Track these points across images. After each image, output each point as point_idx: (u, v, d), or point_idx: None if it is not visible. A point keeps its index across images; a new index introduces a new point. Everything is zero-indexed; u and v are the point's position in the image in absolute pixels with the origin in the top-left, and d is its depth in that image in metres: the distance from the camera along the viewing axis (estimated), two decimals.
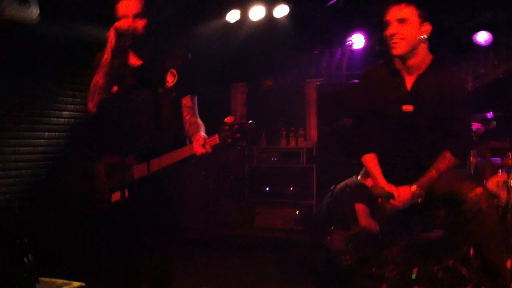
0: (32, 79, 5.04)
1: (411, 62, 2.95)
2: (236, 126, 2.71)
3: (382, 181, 3.01)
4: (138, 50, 3.01)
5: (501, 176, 5.17)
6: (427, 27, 2.91)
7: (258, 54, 7.15)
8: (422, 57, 2.96)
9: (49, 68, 5.19)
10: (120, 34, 2.83)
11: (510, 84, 6.80)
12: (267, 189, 6.79)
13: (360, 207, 4.47)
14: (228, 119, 2.73)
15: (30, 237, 2.71)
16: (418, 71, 2.97)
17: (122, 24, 2.87)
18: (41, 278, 2.78)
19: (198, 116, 3.07)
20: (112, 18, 2.95)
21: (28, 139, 5.05)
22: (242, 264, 5.59)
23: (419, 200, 2.91)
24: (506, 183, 4.53)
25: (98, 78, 2.89)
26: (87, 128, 3.18)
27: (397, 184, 3.00)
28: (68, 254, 4.58)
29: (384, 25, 2.95)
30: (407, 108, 2.96)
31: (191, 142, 2.96)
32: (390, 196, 2.93)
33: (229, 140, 2.72)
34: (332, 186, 5.20)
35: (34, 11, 4.36)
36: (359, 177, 5.33)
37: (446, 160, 2.92)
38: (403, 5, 2.88)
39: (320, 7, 6.35)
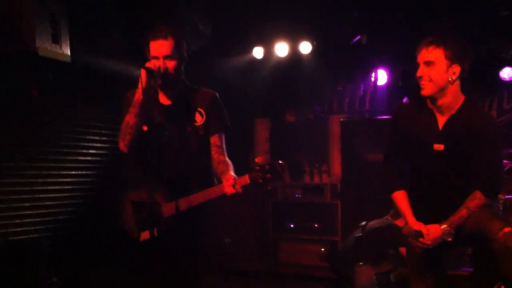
0: (62, 116, 5.13)
1: (441, 102, 2.98)
2: (267, 167, 2.75)
3: (411, 220, 3.00)
4: (168, 90, 3.08)
5: None
6: (456, 69, 2.93)
7: (282, 90, 7.23)
8: (453, 98, 2.98)
9: (78, 105, 5.29)
10: (150, 74, 2.89)
11: None
12: (292, 226, 6.76)
13: (404, 251, 4.44)
14: (258, 159, 2.77)
15: (59, 276, 2.74)
16: (450, 112, 2.98)
17: (153, 64, 2.94)
18: None
19: (226, 155, 3.11)
20: (142, 58, 3.02)
21: (55, 178, 5.07)
22: None
23: (449, 239, 2.89)
24: None
25: (129, 119, 2.95)
26: (119, 167, 3.23)
27: (427, 222, 2.98)
28: None
29: (416, 66, 3.00)
30: (439, 147, 2.97)
31: (218, 180, 2.99)
32: (419, 234, 2.91)
33: (260, 180, 2.75)
34: (364, 223, 5.18)
35: (65, 50, 4.49)
36: (389, 217, 5.31)
37: (476, 199, 2.91)
38: (431, 48, 2.92)
39: (343, 44, 6.42)
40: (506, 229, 2.77)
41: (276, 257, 6.74)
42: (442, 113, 3.01)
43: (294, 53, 6.60)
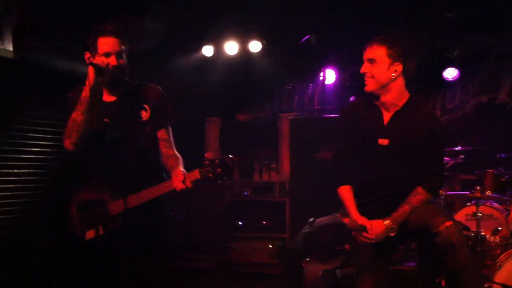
0: (4, 113, 4.98)
1: (385, 99, 3.07)
2: (217, 162, 2.75)
3: (355, 214, 3.07)
4: (112, 87, 3.03)
5: (470, 208, 5.28)
6: (398, 67, 3.02)
7: (232, 89, 7.24)
8: (397, 95, 3.07)
9: (21, 103, 5.14)
10: (98, 71, 2.85)
11: (476, 118, 7.01)
12: (240, 223, 6.78)
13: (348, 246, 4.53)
14: (208, 154, 2.77)
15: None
16: (395, 108, 3.08)
17: (101, 61, 2.89)
18: None
19: (174, 148, 3.09)
20: (90, 54, 2.96)
21: None
22: None
23: (392, 234, 2.97)
24: (475, 215, 4.62)
25: (76, 116, 2.89)
26: (65, 166, 3.17)
27: (373, 217, 3.05)
28: None
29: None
30: (383, 141, 3.06)
31: (168, 176, 2.97)
32: (363, 229, 2.98)
33: (210, 175, 2.75)
34: (311, 219, 5.24)
35: (8, 46, 4.37)
36: (338, 215, 5.39)
37: (418, 195, 3.00)
38: (374, 46, 3.03)
39: (293, 44, 6.49)
40: (448, 223, 2.86)
41: (227, 256, 6.74)
42: (387, 109, 3.09)
43: (244, 52, 6.63)
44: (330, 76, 6.87)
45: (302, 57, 6.75)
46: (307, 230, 5.24)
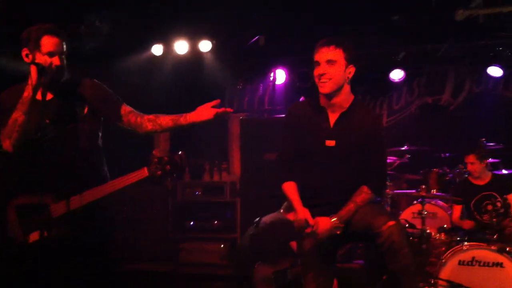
0: None
1: (335, 100, 3.11)
2: (166, 158, 2.71)
3: (300, 208, 3.07)
4: (50, 85, 2.94)
5: (415, 207, 5.42)
6: (352, 69, 3.09)
7: (182, 88, 7.18)
8: (346, 97, 3.13)
9: None
10: (41, 71, 2.77)
11: (422, 119, 7.20)
12: (191, 223, 6.73)
13: (294, 244, 4.56)
14: (156, 152, 2.72)
15: None
16: (341, 110, 3.13)
17: (44, 60, 2.82)
18: None
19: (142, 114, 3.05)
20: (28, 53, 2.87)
21: None
22: None
23: (338, 231, 3.00)
24: (420, 213, 4.74)
25: (17, 116, 2.80)
26: (3, 169, 3.04)
27: (321, 216, 3.08)
28: None
29: (314, 64, 3.10)
30: (330, 143, 3.10)
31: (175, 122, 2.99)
32: (308, 226, 2.99)
33: (159, 172, 2.71)
34: (257, 219, 5.25)
35: None
36: (281, 211, 5.42)
37: (363, 194, 3.05)
38: (332, 47, 3.03)
39: (243, 44, 6.49)
40: (390, 223, 2.91)
41: (178, 257, 6.68)
42: (334, 111, 3.14)
43: (194, 51, 6.58)
44: (280, 76, 6.92)
45: (252, 58, 6.76)
46: (253, 232, 5.25)
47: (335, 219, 2.99)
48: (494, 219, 4.46)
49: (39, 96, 2.79)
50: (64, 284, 2.86)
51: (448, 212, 5.49)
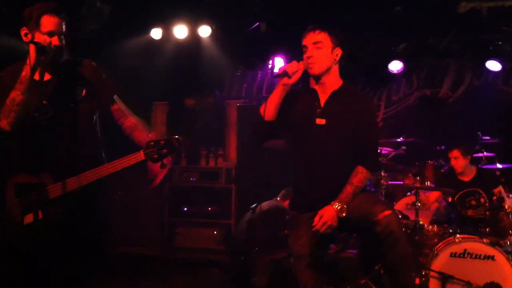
0: None
1: (324, 81, 3.20)
2: (162, 142, 2.71)
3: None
4: (49, 66, 2.93)
5: (410, 198, 5.45)
6: (339, 52, 3.18)
7: (181, 73, 7.16)
8: (335, 79, 3.22)
9: None
10: (41, 50, 2.75)
11: (420, 111, 7.21)
12: (185, 208, 6.75)
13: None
14: (152, 135, 2.72)
15: None
16: (331, 90, 3.20)
17: (43, 39, 2.80)
18: None
19: (130, 114, 3.05)
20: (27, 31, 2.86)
21: None
22: (159, 286, 5.52)
23: (344, 214, 2.99)
24: (414, 204, 4.76)
25: (15, 95, 2.79)
26: (1, 147, 3.03)
27: (312, 195, 3.11)
28: None
29: (303, 50, 3.19)
30: (320, 121, 3.15)
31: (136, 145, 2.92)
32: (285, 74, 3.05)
33: (155, 156, 2.71)
34: (254, 205, 5.28)
35: None
36: (278, 199, 5.44)
37: (359, 174, 3.08)
38: (317, 31, 3.15)
39: (242, 30, 6.47)
40: (387, 212, 2.92)
41: (172, 242, 6.71)
42: (324, 92, 3.21)
43: (194, 36, 6.56)
44: (279, 64, 6.89)
45: (252, 45, 6.74)
46: (250, 217, 5.27)
47: (336, 204, 2.99)
48: (488, 212, 4.49)
49: (37, 76, 2.78)
50: (58, 266, 2.87)
51: (443, 204, 5.52)
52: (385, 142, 5.93)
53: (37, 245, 2.81)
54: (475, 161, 5.41)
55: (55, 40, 2.83)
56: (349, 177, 3.07)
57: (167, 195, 6.78)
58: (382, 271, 4.29)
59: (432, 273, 4.22)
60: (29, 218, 2.80)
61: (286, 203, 5.30)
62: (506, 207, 4.37)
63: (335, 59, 3.16)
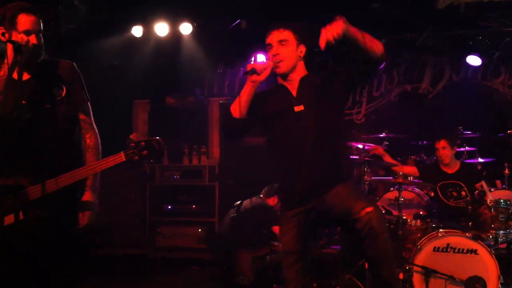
0: None
1: (291, 77, 3.22)
2: (143, 143, 2.69)
3: None
4: (27, 65, 2.89)
5: (392, 193, 5.47)
6: (303, 49, 3.20)
7: (162, 71, 7.12)
8: (301, 74, 3.24)
9: None
10: (18, 49, 2.71)
11: (401, 107, 7.26)
12: (169, 207, 6.72)
13: (277, 229, 4.59)
14: (133, 136, 2.70)
15: None
16: (298, 80, 3.24)
17: (21, 38, 2.76)
18: None
19: (92, 127, 3.01)
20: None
21: None
22: (142, 286, 5.49)
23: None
24: (397, 200, 4.79)
25: None
26: None
27: (308, 185, 3.08)
28: None
29: (267, 48, 3.21)
30: (299, 108, 3.16)
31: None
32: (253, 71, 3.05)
33: (136, 157, 2.69)
34: (238, 202, 5.27)
35: None
36: (262, 196, 5.44)
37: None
38: (281, 29, 3.16)
39: (223, 27, 6.44)
40: (369, 209, 2.93)
41: (155, 241, 6.67)
42: (293, 85, 3.24)
43: (175, 34, 6.51)
44: (260, 61, 6.87)
45: (233, 42, 6.72)
46: (234, 215, 5.26)
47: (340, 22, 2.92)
48: (470, 207, 4.53)
49: (15, 76, 2.73)
50: (41, 266, 2.83)
51: (425, 199, 5.56)
52: (367, 138, 5.95)
53: (18, 246, 2.77)
54: (457, 156, 5.44)
55: (32, 39, 2.79)
56: None
57: (149, 194, 6.74)
58: (366, 266, 4.32)
59: (415, 268, 4.24)
60: (9, 219, 2.76)
61: (270, 200, 5.32)
62: (488, 201, 4.40)
63: (299, 56, 3.18)
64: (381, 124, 6.59)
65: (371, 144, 5.59)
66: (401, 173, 4.95)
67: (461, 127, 5.79)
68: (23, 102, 2.82)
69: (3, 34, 2.81)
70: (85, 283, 5.18)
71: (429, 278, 4.18)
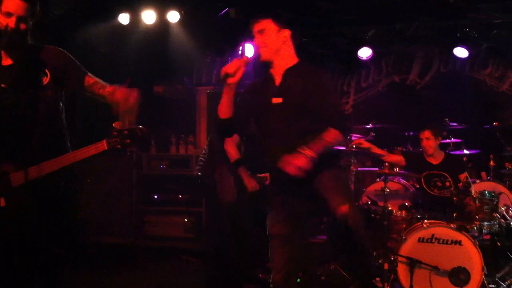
0: None
1: (277, 63, 3.23)
2: (126, 132, 2.67)
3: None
4: (10, 49, 2.85)
5: (379, 184, 5.50)
6: (286, 32, 3.23)
7: (149, 60, 7.06)
8: (288, 59, 3.26)
9: None
10: None
11: (389, 97, 7.27)
12: (156, 197, 6.70)
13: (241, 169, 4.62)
14: (116, 124, 2.67)
15: None
16: (284, 69, 3.25)
17: (1, 21, 2.71)
18: None
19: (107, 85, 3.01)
20: None
21: None
22: (129, 275, 5.48)
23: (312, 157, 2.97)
24: (383, 190, 4.81)
25: None
26: None
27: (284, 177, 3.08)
28: None
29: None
30: (277, 100, 3.18)
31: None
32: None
33: (118, 146, 2.67)
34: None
35: None
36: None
37: (330, 132, 3.07)
38: (259, 21, 3.23)
39: (212, 16, 6.40)
40: (343, 209, 2.99)
41: (141, 230, 6.66)
42: (278, 73, 3.27)
43: (162, 21, 6.45)
44: (249, 50, 6.84)
45: (222, 30, 6.67)
46: (208, 144, 5.24)
47: (304, 148, 2.97)
48: (455, 198, 4.55)
49: None
50: (25, 254, 2.81)
51: (411, 190, 5.59)
52: (354, 128, 5.96)
53: (0, 232, 2.75)
54: (442, 147, 5.46)
55: (11, 22, 2.74)
56: (320, 135, 3.06)
57: (136, 183, 6.72)
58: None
59: (400, 258, 4.27)
60: None
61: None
62: (473, 192, 4.43)
63: (284, 40, 3.21)
64: (369, 115, 6.60)
65: (357, 135, 5.61)
66: (387, 164, 4.96)
67: (447, 119, 5.81)
68: (3, 85, 2.78)
69: None
70: (70, 271, 5.15)
71: (414, 269, 4.21)
